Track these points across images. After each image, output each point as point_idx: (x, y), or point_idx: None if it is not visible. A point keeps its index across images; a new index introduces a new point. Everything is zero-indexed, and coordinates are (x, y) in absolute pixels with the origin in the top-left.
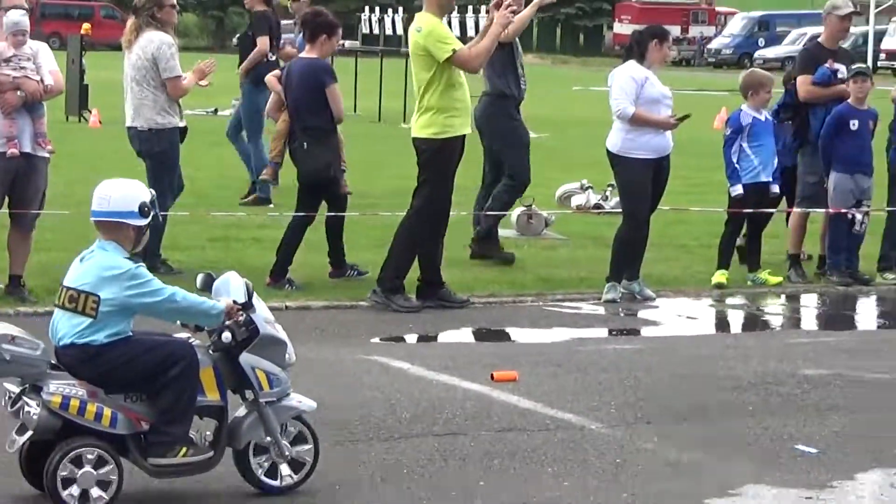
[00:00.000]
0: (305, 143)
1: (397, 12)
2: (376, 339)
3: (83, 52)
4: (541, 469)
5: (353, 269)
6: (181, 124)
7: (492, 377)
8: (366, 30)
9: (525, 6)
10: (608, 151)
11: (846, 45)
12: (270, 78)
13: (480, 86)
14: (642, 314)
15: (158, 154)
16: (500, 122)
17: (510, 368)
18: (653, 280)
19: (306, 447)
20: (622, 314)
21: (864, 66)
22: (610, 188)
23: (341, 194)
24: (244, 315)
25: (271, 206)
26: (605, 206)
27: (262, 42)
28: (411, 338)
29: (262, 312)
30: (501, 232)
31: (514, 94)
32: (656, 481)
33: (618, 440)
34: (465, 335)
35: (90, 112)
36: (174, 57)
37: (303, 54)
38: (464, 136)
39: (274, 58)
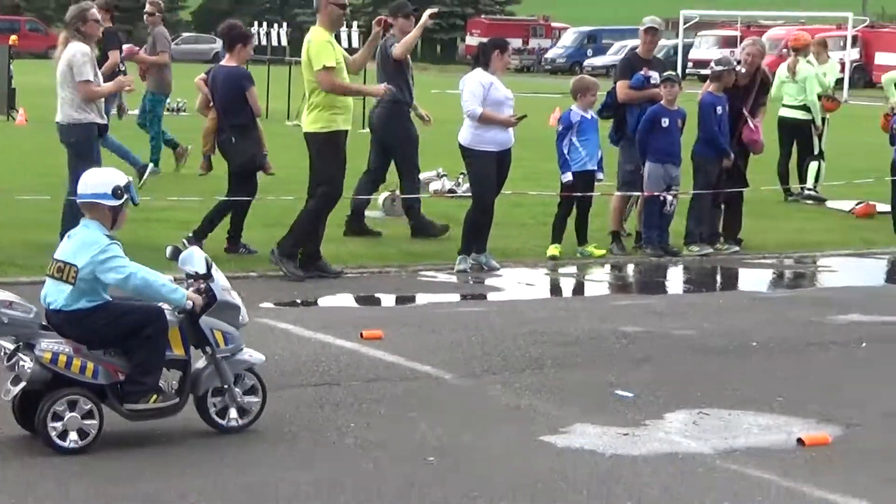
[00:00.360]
0: (233, 139)
1: (282, 26)
2: (265, 305)
3: (11, 60)
4: (402, 413)
5: (244, 247)
6: (99, 121)
7: (361, 335)
8: (255, 41)
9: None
10: (460, 145)
11: (660, 55)
12: (198, 81)
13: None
14: (488, 282)
15: (74, 144)
16: (396, 125)
17: (377, 328)
18: (498, 253)
19: (255, 397)
20: (471, 282)
21: (673, 73)
22: (461, 176)
23: (254, 183)
24: (204, 284)
25: (157, 171)
26: (457, 191)
27: (114, 55)
28: (294, 303)
29: (220, 281)
30: (370, 213)
31: (406, 100)
32: (499, 422)
33: (467, 388)
34: (339, 300)
35: (17, 111)
36: (86, 64)
37: (223, 62)
38: (346, 131)
39: (124, 67)
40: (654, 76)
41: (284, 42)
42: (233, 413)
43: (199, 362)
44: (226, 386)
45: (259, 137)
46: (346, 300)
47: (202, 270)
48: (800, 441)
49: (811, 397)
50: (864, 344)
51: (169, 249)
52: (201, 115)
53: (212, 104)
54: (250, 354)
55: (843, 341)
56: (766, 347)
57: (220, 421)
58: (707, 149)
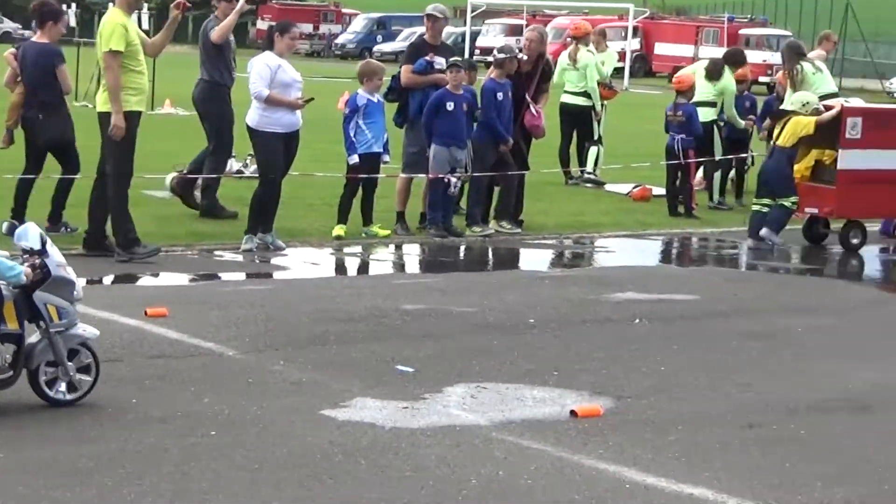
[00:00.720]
0: (41, 115)
1: (71, 7)
2: None
3: None
4: (185, 388)
5: (65, 225)
6: None
7: (146, 313)
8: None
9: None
10: (247, 126)
11: (449, 41)
12: (7, 55)
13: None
14: (274, 261)
15: None
16: (214, 105)
17: (162, 305)
18: (284, 232)
19: (88, 368)
20: (258, 261)
21: (459, 59)
22: (249, 157)
23: (75, 157)
24: (39, 259)
25: None
26: (245, 172)
27: None
28: (79, 282)
29: (55, 257)
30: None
31: (226, 82)
32: (282, 397)
33: (250, 364)
34: (124, 279)
35: None
36: None
37: (34, 39)
38: (139, 112)
39: None
40: (439, 61)
41: (73, 23)
42: (62, 386)
43: (33, 336)
44: (58, 361)
45: (68, 114)
46: (131, 279)
47: (37, 246)
48: (573, 413)
49: (585, 371)
50: (637, 321)
51: (5, 225)
52: (7, 89)
53: (20, 79)
54: (84, 329)
55: (618, 318)
56: (543, 324)
57: (52, 394)
58: (485, 134)
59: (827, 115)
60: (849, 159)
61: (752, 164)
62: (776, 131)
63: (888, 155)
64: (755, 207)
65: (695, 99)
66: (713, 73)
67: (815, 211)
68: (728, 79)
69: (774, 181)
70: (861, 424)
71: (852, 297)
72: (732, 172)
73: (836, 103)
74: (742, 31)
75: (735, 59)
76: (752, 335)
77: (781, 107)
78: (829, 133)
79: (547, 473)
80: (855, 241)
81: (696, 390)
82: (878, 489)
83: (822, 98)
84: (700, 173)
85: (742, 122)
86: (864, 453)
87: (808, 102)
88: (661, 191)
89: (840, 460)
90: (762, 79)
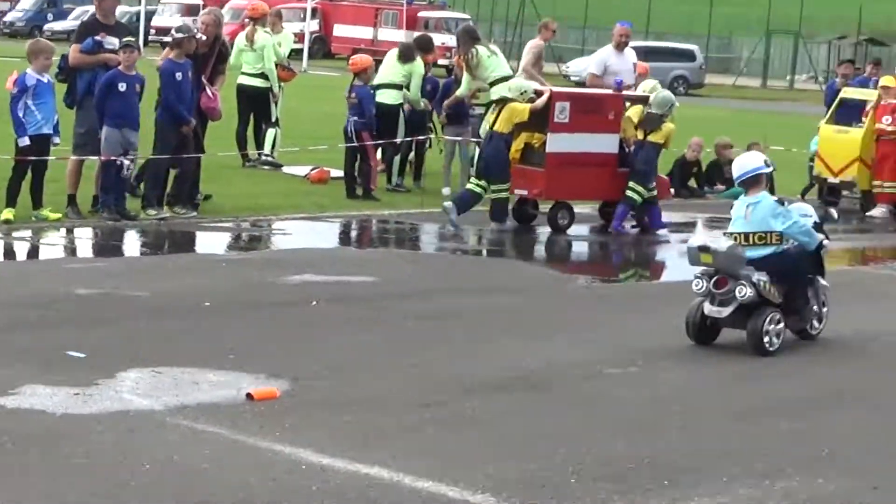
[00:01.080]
0: None
1: None
2: None
3: None
4: None
5: None
6: None
7: None
8: None
9: None
10: None
11: (123, 20)
12: None
13: None
14: None
15: None
16: None
17: None
18: None
19: None
20: None
21: (132, 39)
22: None
23: None
24: None
25: None
26: None
27: None
28: None
29: None
30: None
31: None
32: None
33: None
34: None
35: None
36: None
37: None
38: None
39: None
40: (111, 41)
41: None
42: None
43: None
44: None
45: None
46: None
47: None
48: (249, 396)
49: (262, 354)
50: (314, 303)
51: None
52: None
53: None
54: None
55: (296, 300)
56: (220, 307)
57: None
58: (166, 115)
59: (540, 101)
60: (557, 142)
61: (431, 146)
62: (491, 117)
63: (594, 138)
64: (468, 187)
65: (384, 81)
66: (406, 55)
67: (525, 192)
68: (418, 62)
69: (492, 166)
70: (536, 401)
71: (530, 277)
72: (411, 155)
73: (546, 89)
74: (421, 14)
75: (425, 46)
76: (430, 316)
77: (458, 93)
78: (538, 117)
79: (222, 456)
80: (563, 221)
81: (372, 371)
82: (549, 463)
83: (496, 82)
84: (379, 154)
85: (422, 105)
86: (539, 429)
87: (525, 91)
88: (340, 173)
89: (514, 437)
90: (441, 61)
